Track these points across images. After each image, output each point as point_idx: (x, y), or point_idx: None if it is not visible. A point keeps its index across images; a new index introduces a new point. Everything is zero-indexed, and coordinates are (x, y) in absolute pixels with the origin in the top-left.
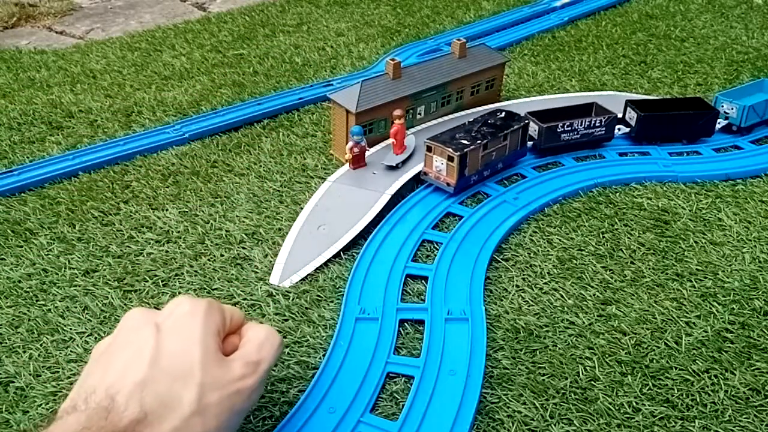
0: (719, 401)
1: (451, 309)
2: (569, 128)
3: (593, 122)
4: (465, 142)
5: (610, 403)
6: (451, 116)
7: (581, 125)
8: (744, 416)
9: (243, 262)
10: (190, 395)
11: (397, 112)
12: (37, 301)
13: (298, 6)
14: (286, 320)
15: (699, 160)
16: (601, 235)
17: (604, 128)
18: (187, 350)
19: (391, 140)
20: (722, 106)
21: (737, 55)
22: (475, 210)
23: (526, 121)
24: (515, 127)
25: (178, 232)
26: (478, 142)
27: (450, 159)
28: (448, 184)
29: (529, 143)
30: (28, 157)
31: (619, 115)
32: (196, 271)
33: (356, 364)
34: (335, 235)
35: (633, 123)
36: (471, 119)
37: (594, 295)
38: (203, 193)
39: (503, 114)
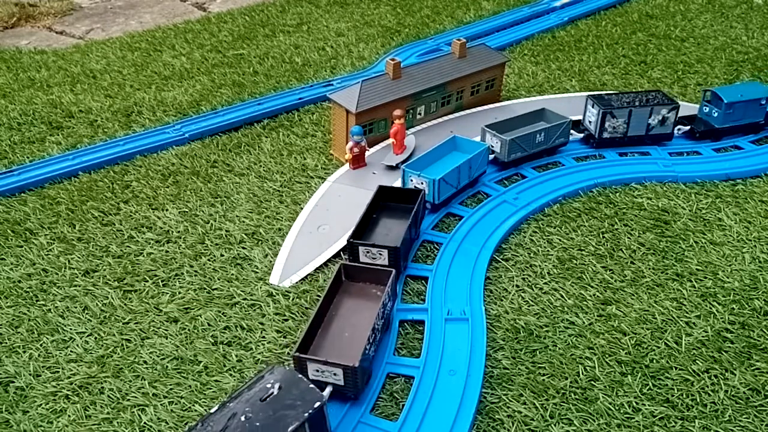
0: (719, 401)
1: (451, 309)
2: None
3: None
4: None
5: (610, 403)
6: (451, 116)
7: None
8: (744, 416)
9: (243, 262)
10: None
11: (397, 112)
12: (37, 301)
13: (298, 6)
14: (286, 320)
15: (699, 160)
16: (601, 235)
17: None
18: None
19: (391, 140)
20: (411, 180)
21: (737, 55)
22: (475, 210)
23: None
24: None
25: (178, 232)
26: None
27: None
28: None
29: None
30: (28, 157)
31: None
32: (196, 271)
33: None
34: (335, 235)
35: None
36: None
37: (594, 295)
38: (203, 193)
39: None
